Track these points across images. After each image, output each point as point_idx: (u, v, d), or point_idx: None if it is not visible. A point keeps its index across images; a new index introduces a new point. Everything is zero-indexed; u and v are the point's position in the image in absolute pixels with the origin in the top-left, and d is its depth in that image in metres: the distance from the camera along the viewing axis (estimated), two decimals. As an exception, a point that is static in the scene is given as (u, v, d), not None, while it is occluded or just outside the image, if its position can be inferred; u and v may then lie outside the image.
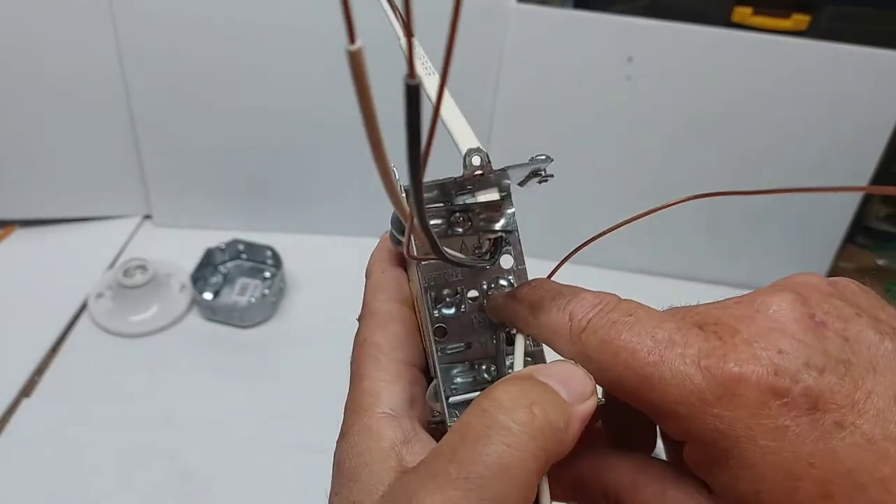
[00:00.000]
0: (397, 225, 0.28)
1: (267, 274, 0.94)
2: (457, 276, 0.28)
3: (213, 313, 0.88)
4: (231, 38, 0.85)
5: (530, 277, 0.28)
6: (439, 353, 0.27)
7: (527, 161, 0.26)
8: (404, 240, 0.25)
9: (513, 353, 0.27)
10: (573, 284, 0.27)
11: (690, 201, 0.27)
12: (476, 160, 0.26)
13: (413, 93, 0.18)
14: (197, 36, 0.85)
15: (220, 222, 0.99)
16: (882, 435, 0.20)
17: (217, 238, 0.94)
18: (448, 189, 0.27)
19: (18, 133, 0.91)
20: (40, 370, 0.81)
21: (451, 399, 0.26)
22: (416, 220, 0.21)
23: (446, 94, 0.28)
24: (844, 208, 0.92)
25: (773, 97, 0.85)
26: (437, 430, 0.26)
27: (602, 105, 0.88)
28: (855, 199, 0.91)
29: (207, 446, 0.75)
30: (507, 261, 0.28)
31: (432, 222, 0.27)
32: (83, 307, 0.88)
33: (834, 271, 0.99)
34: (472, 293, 0.28)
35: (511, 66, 0.86)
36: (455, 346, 0.28)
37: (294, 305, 0.92)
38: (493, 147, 0.92)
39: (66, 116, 0.90)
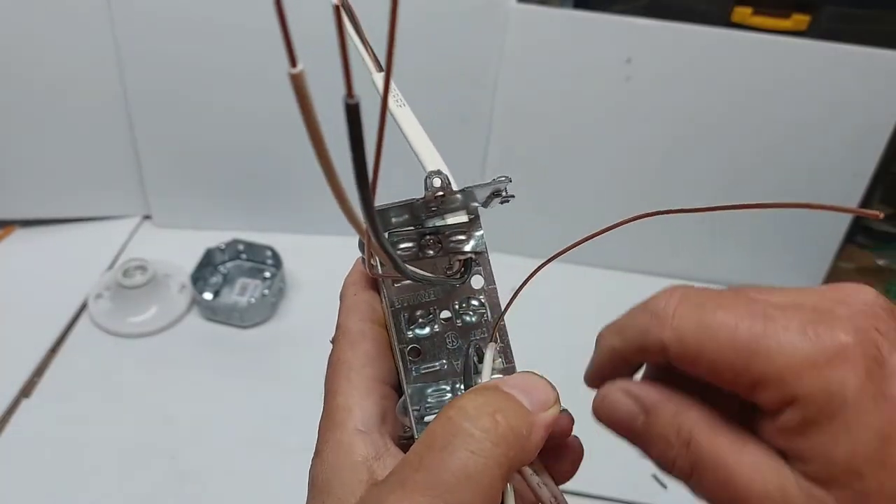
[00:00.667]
0: (361, 248, 0.29)
1: (267, 274, 0.94)
2: (429, 297, 0.29)
3: (213, 313, 0.88)
4: (230, 38, 0.85)
5: (530, 278, 0.29)
6: (410, 370, 0.28)
7: (488, 181, 0.27)
8: (365, 258, 0.26)
9: (480, 371, 0.28)
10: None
11: (688, 198, 0.27)
12: (437, 182, 0.27)
13: (353, 112, 0.19)
14: (196, 36, 0.85)
15: (220, 222, 0.99)
16: None
17: (217, 238, 0.94)
18: (417, 212, 0.27)
19: (18, 133, 0.91)
20: (40, 370, 0.81)
21: (427, 418, 0.27)
22: (371, 238, 0.22)
23: (413, 119, 0.30)
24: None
25: (773, 97, 0.85)
26: (407, 445, 0.27)
27: (602, 105, 0.88)
28: (855, 199, 0.91)
29: (207, 446, 0.75)
30: (477, 281, 0.29)
31: (403, 245, 0.28)
32: (83, 307, 0.88)
33: (834, 271, 0.99)
34: (445, 314, 0.29)
35: (511, 66, 0.86)
36: (429, 365, 0.29)
37: (294, 305, 0.92)
38: (492, 147, 0.92)
39: (66, 117, 0.90)
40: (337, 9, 0.17)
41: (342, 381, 0.27)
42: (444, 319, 0.29)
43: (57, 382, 0.80)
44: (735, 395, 0.24)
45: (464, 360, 0.28)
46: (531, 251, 1.05)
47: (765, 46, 0.82)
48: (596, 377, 0.29)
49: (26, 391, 0.79)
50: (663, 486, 0.76)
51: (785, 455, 0.23)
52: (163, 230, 1.01)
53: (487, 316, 0.29)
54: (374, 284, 0.31)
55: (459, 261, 0.29)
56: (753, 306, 0.24)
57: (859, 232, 1.07)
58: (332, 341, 0.30)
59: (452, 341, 0.29)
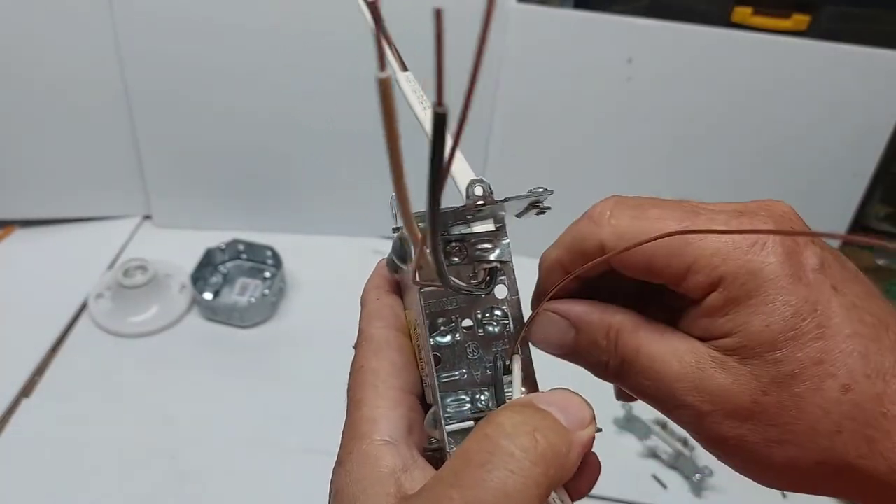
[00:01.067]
0: (399, 252, 0.28)
1: (267, 274, 0.94)
2: (452, 306, 0.28)
3: (213, 313, 0.88)
4: (231, 39, 0.85)
5: (535, 278, 0.29)
6: (441, 380, 0.27)
7: (526, 193, 0.27)
8: (412, 266, 0.25)
9: (510, 382, 0.27)
10: None
11: (689, 198, 0.28)
12: (479, 190, 0.27)
13: (440, 121, 0.18)
14: (197, 37, 0.85)
15: (220, 222, 0.99)
16: (860, 300, 0.24)
17: (217, 238, 0.94)
18: (446, 219, 0.27)
19: (18, 133, 0.91)
20: (40, 370, 0.81)
21: (448, 427, 0.26)
22: (428, 247, 0.22)
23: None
24: (844, 208, 0.92)
25: (773, 97, 0.85)
26: (433, 457, 0.26)
27: (602, 105, 0.88)
28: (855, 199, 0.91)
29: (207, 446, 0.75)
30: (500, 291, 0.29)
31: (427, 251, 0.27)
32: (83, 307, 0.88)
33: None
34: (467, 322, 0.29)
35: (511, 66, 0.86)
36: (449, 374, 0.28)
37: (294, 305, 0.92)
38: (492, 148, 0.92)
39: (67, 117, 0.90)
40: (438, 13, 0.17)
41: (368, 391, 0.27)
42: (465, 328, 0.29)
43: (57, 382, 0.80)
44: (658, 297, 0.27)
45: (493, 372, 0.28)
46: (531, 251, 1.06)
47: (765, 46, 0.82)
48: (538, 297, 0.30)
49: (26, 391, 0.79)
50: (663, 486, 0.76)
51: (705, 338, 0.25)
52: (163, 230, 1.01)
53: (510, 327, 0.29)
54: (396, 289, 0.30)
55: (484, 269, 0.29)
56: (683, 204, 0.26)
57: (859, 232, 1.07)
58: (354, 347, 0.29)
59: (473, 351, 0.28)
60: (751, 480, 0.27)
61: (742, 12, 0.84)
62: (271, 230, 0.99)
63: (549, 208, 0.28)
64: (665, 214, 0.25)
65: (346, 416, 0.27)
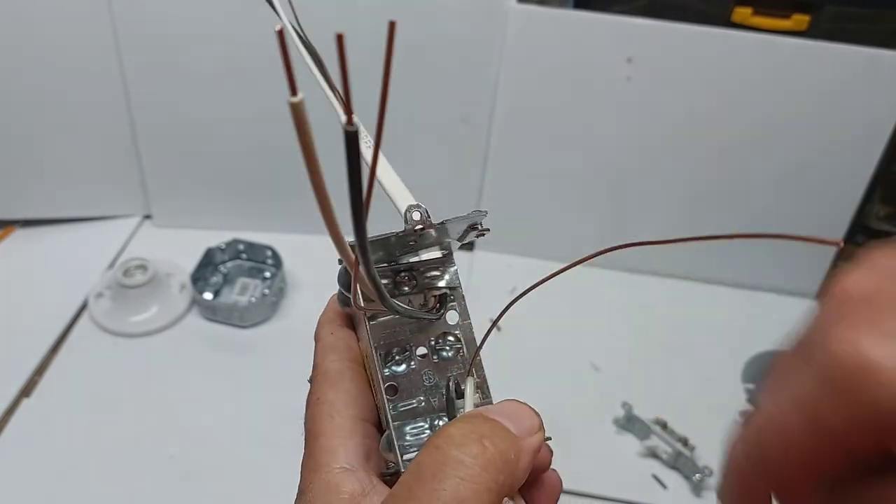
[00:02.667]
0: (345, 282, 0.29)
1: (267, 274, 0.94)
2: (405, 335, 0.29)
3: (213, 313, 0.88)
4: (231, 38, 0.85)
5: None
6: (391, 407, 0.28)
7: (465, 214, 0.27)
8: (352, 289, 0.26)
9: (462, 404, 0.28)
10: None
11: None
12: (416, 215, 0.27)
13: (352, 139, 0.19)
14: (197, 37, 0.85)
15: (220, 222, 0.99)
16: None
17: (217, 238, 0.94)
18: (392, 249, 0.28)
19: (18, 133, 0.91)
20: (40, 370, 0.81)
21: (405, 456, 0.27)
22: (361, 268, 0.22)
23: (382, 159, 0.30)
24: (844, 208, 0.92)
25: (773, 97, 0.85)
26: (391, 481, 0.27)
27: (602, 105, 0.88)
28: (855, 198, 0.91)
29: (207, 446, 0.75)
30: (452, 317, 0.30)
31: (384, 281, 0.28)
32: (83, 307, 0.88)
33: (834, 271, 0.99)
34: (421, 350, 0.29)
35: (511, 66, 0.86)
36: (407, 402, 0.29)
37: (294, 305, 0.92)
38: (492, 147, 0.92)
39: (66, 116, 0.90)
40: (339, 38, 0.17)
41: (325, 422, 0.27)
42: (419, 356, 0.29)
43: (57, 382, 0.80)
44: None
45: (445, 393, 0.28)
46: (531, 251, 1.06)
47: (765, 46, 0.82)
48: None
49: (27, 391, 0.79)
50: (663, 486, 0.76)
51: None
52: (163, 230, 1.01)
53: (463, 351, 0.29)
54: (349, 323, 0.31)
55: (434, 296, 0.29)
56: None
57: (859, 232, 1.07)
58: (310, 380, 0.29)
59: (429, 378, 0.29)
60: None
61: (742, 12, 0.84)
62: (271, 230, 0.99)
63: (487, 230, 0.28)
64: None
65: (305, 447, 0.28)
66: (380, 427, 0.29)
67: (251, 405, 0.80)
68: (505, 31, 0.84)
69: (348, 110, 0.19)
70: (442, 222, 0.27)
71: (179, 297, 0.90)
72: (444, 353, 0.29)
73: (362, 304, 0.26)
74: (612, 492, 0.74)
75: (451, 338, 0.29)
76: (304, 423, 0.28)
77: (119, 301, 0.87)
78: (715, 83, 0.85)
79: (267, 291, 0.91)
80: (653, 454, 0.78)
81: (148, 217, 1.02)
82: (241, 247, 0.94)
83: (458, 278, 0.29)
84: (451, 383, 0.28)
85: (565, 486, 0.29)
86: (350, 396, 0.28)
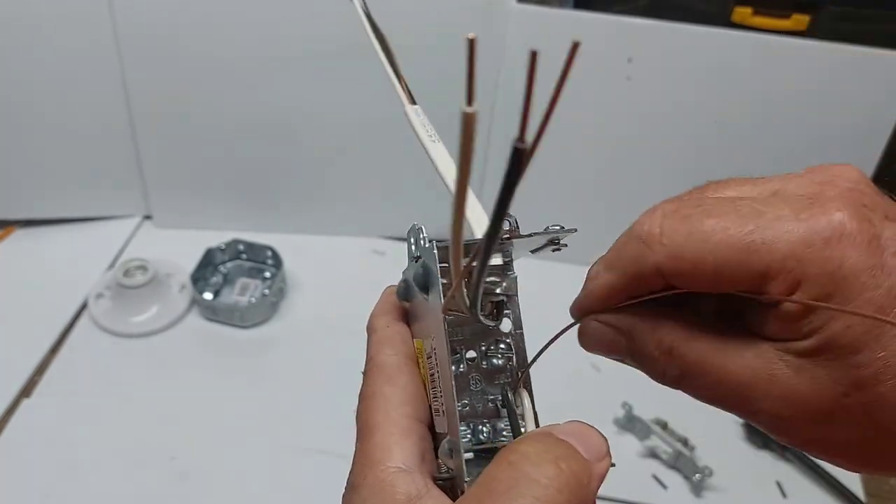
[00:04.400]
0: (422, 281, 0.28)
1: (267, 274, 0.94)
2: (457, 337, 0.28)
3: (213, 313, 0.88)
4: (231, 38, 0.85)
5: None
6: (459, 408, 0.27)
7: (545, 230, 0.27)
8: (450, 293, 0.25)
9: (521, 414, 0.27)
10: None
11: None
12: (505, 224, 0.27)
13: (519, 155, 0.19)
14: (197, 37, 0.85)
15: (220, 222, 0.99)
16: None
17: (217, 238, 0.94)
18: (470, 252, 0.27)
19: (18, 133, 0.91)
20: (40, 370, 0.81)
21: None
22: (474, 276, 0.22)
23: (446, 155, 0.30)
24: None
25: (772, 97, 0.85)
26: (444, 486, 0.26)
27: (602, 105, 0.88)
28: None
29: (207, 446, 0.75)
30: (506, 324, 0.29)
31: (442, 281, 0.27)
32: (83, 307, 0.88)
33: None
34: (471, 353, 0.29)
35: (511, 66, 0.86)
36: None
37: (294, 305, 0.92)
38: (492, 147, 0.92)
39: (67, 117, 0.90)
40: (532, 55, 0.18)
41: (380, 417, 0.27)
42: (468, 359, 0.29)
43: (57, 382, 0.80)
44: (709, 301, 0.25)
45: (505, 404, 0.28)
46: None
47: (765, 46, 0.82)
48: (584, 310, 0.29)
49: (27, 391, 0.79)
50: (663, 486, 0.76)
51: (778, 339, 0.24)
52: (163, 230, 1.01)
53: (513, 360, 0.29)
54: (404, 317, 0.30)
55: (491, 302, 0.29)
56: (740, 206, 0.23)
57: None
58: (363, 373, 0.29)
59: (476, 383, 0.28)
60: (753, 479, 0.27)
61: (742, 12, 0.84)
62: (271, 230, 0.99)
63: (565, 245, 0.28)
64: (722, 224, 0.23)
65: (358, 441, 0.27)
66: (432, 429, 0.28)
67: (251, 405, 0.80)
68: (505, 31, 0.84)
69: (523, 127, 0.19)
70: (529, 234, 0.27)
71: (179, 297, 0.90)
72: (495, 361, 0.29)
73: (451, 306, 0.26)
74: (612, 492, 0.74)
75: (502, 345, 0.29)
76: (357, 416, 0.27)
77: (119, 301, 0.87)
78: (715, 83, 0.85)
79: (267, 291, 0.91)
80: (653, 454, 0.78)
81: (148, 217, 1.02)
82: (241, 247, 0.94)
83: (516, 286, 0.29)
84: (508, 393, 0.28)
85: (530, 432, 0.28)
86: (407, 394, 0.27)
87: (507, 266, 0.29)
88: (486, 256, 0.21)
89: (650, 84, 0.85)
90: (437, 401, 0.28)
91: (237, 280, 0.93)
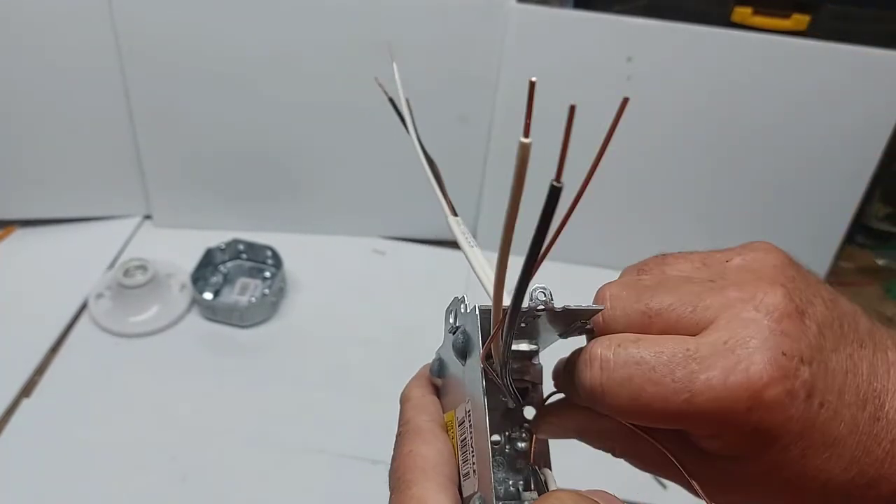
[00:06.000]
0: (461, 346, 0.29)
1: (267, 274, 0.94)
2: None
3: (213, 313, 0.88)
4: (231, 39, 0.85)
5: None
6: (495, 471, 0.28)
7: (583, 306, 0.28)
8: (489, 339, 0.27)
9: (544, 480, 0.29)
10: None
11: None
12: (541, 295, 0.27)
13: (555, 194, 0.21)
14: (197, 37, 0.85)
15: (220, 222, 0.99)
16: (841, 404, 0.26)
17: (217, 238, 0.94)
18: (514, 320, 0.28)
19: (19, 133, 0.91)
20: (40, 370, 0.81)
21: None
22: (506, 323, 0.24)
23: (482, 258, 0.32)
24: (844, 208, 0.92)
25: (773, 97, 0.85)
26: None
27: (602, 105, 0.88)
28: (855, 198, 0.91)
29: (207, 446, 0.75)
30: (529, 411, 0.31)
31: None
32: (83, 307, 0.88)
33: (834, 271, 0.99)
34: (495, 437, 0.29)
35: (511, 66, 0.86)
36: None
37: (294, 305, 0.92)
38: (492, 147, 0.92)
39: (67, 117, 0.90)
40: (571, 109, 0.19)
41: (418, 473, 0.28)
42: (493, 442, 0.29)
43: (57, 382, 0.80)
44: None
45: (532, 473, 0.29)
46: (525, 249, 1.06)
47: (765, 46, 0.82)
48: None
49: (27, 391, 0.79)
50: (663, 486, 0.76)
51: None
52: (163, 230, 1.01)
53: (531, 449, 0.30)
54: (436, 391, 0.32)
55: (516, 388, 0.30)
56: (665, 352, 0.26)
57: (859, 232, 1.07)
58: (398, 437, 0.30)
59: (499, 467, 0.29)
60: None
61: (742, 12, 0.84)
62: (271, 230, 0.99)
63: (592, 329, 0.29)
64: (655, 380, 0.26)
65: (393, 493, 0.28)
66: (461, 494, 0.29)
67: (252, 405, 0.80)
68: (505, 31, 0.84)
69: (560, 167, 0.21)
70: (564, 307, 0.28)
71: (179, 297, 0.90)
72: (519, 445, 0.30)
73: (487, 365, 0.27)
74: (612, 492, 0.74)
75: (524, 433, 0.30)
76: (392, 472, 0.29)
77: (119, 301, 0.87)
78: (715, 83, 0.85)
79: (267, 291, 0.91)
80: (653, 454, 0.78)
81: (148, 217, 1.02)
82: (241, 247, 0.94)
83: (542, 376, 0.30)
84: (531, 477, 0.29)
85: (565, 485, 0.29)
86: (442, 456, 0.29)
87: (534, 354, 0.30)
88: (518, 304, 0.23)
89: (650, 84, 0.85)
90: (466, 464, 0.29)
91: (237, 280, 0.93)
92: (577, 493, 0.25)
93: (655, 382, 0.25)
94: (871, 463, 0.26)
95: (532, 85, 0.20)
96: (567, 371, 0.29)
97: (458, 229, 0.33)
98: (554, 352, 0.31)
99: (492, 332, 0.26)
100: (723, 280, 0.27)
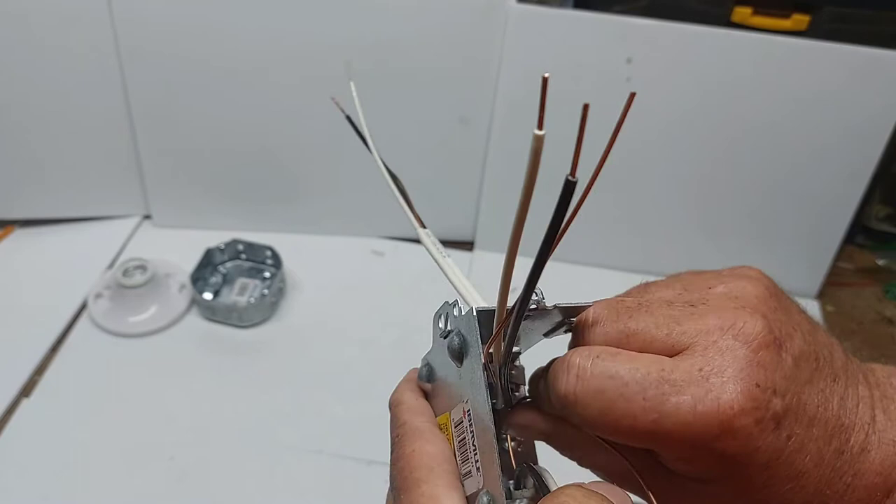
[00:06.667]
0: (458, 349, 0.29)
1: (266, 274, 0.94)
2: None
3: (213, 313, 0.88)
4: (231, 38, 0.85)
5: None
6: (503, 467, 0.28)
7: (574, 303, 0.29)
8: (492, 338, 0.27)
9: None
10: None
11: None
12: (534, 295, 0.28)
13: (569, 188, 0.22)
14: (196, 36, 0.85)
15: (220, 222, 0.99)
16: (808, 437, 0.26)
17: (217, 238, 0.94)
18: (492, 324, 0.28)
19: (18, 133, 0.91)
20: (40, 370, 0.81)
21: None
22: (514, 312, 0.25)
23: (456, 268, 0.33)
24: (844, 208, 0.92)
25: (772, 97, 0.85)
26: None
27: (602, 105, 0.87)
28: (854, 199, 0.91)
29: (207, 446, 0.75)
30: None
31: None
32: (82, 307, 0.88)
33: (834, 271, 0.99)
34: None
35: (511, 66, 0.86)
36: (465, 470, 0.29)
37: (294, 305, 0.92)
38: (492, 147, 0.92)
39: (66, 116, 0.90)
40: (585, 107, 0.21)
41: (425, 472, 0.27)
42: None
43: (57, 382, 0.80)
44: None
45: (531, 473, 0.29)
46: (531, 251, 1.06)
47: (765, 46, 0.82)
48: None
49: (27, 391, 0.79)
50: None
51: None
52: (163, 230, 1.01)
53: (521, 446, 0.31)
54: (426, 395, 0.32)
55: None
56: (648, 378, 0.26)
57: (859, 232, 1.07)
58: (395, 439, 0.30)
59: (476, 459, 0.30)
60: None
61: (742, 12, 0.84)
62: (271, 230, 0.99)
63: (575, 325, 0.30)
64: (627, 407, 0.26)
65: (402, 494, 0.27)
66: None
67: (251, 405, 0.80)
68: (505, 31, 0.84)
69: (575, 163, 0.22)
70: (554, 305, 0.28)
71: (179, 297, 0.90)
72: (506, 445, 0.30)
73: (491, 354, 0.28)
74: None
75: (505, 429, 0.31)
76: (396, 474, 0.28)
77: (118, 301, 0.87)
78: (715, 83, 0.85)
79: (266, 292, 0.90)
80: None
81: (148, 217, 1.02)
82: (241, 247, 0.94)
83: (524, 377, 0.31)
84: (527, 471, 0.29)
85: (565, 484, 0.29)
86: (445, 454, 0.28)
87: (516, 356, 0.30)
88: (537, 273, 0.23)
89: (650, 84, 0.85)
90: (466, 463, 0.28)
91: (236, 280, 0.93)
92: (583, 488, 0.25)
93: (627, 399, 0.26)
94: (833, 495, 0.27)
95: (545, 80, 0.21)
96: (544, 378, 0.29)
97: (429, 240, 0.34)
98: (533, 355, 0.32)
99: (494, 332, 0.26)
100: (704, 306, 0.28)
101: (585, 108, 0.20)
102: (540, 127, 0.20)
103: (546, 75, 0.21)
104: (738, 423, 0.25)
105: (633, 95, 0.21)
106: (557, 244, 0.22)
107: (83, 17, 0.83)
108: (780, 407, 0.26)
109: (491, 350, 0.28)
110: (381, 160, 0.37)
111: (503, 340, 0.26)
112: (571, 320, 0.29)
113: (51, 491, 0.70)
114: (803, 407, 0.26)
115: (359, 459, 0.75)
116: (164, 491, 0.71)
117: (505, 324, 0.26)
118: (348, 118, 0.38)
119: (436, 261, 0.33)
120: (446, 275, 0.32)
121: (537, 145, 0.20)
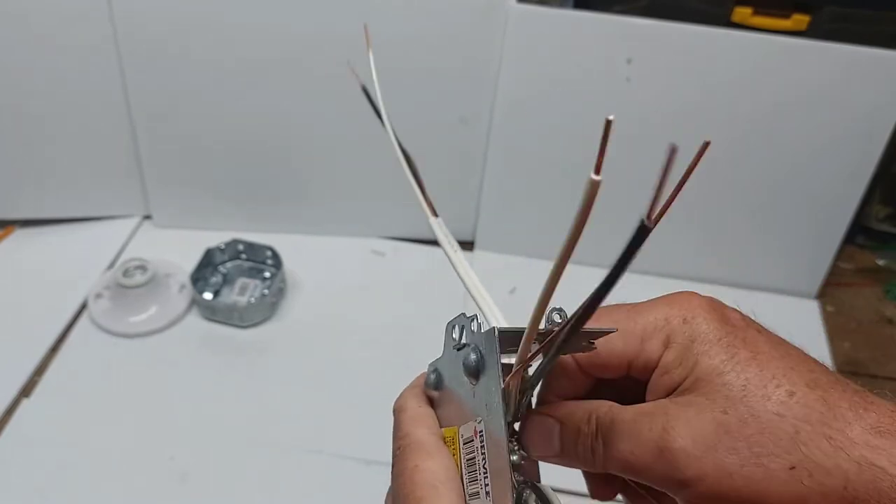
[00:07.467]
0: (473, 366, 0.28)
1: (267, 274, 0.94)
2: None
3: (213, 313, 0.88)
4: (231, 38, 0.85)
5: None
6: (515, 484, 0.27)
7: (595, 328, 0.28)
8: (520, 366, 0.26)
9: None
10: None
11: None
12: (557, 317, 0.28)
13: (643, 233, 0.21)
14: (197, 36, 0.85)
15: (220, 222, 0.99)
16: (780, 341, 0.28)
17: (217, 238, 0.94)
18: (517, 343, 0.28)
19: (18, 133, 0.91)
20: (40, 370, 0.81)
21: None
22: (558, 341, 0.24)
23: (466, 263, 0.32)
24: (844, 208, 0.92)
25: (773, 97, 0.85)
26: None
27: (602, 105, 0.88)
28: (854, 199, 0.91)
29: (207, 446, 0.75)
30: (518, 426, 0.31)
31: (503, 361, 0.28)
32: (83, 307, 0.88)
33: (834, 271, 0.99)
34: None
35: (511, 66, 0.86)
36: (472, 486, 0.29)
37: (294, 305, 0.92)
38: (492, 147, 0.92)
39: (67, 117, 0.90)
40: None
41: (428, 490, 0.27)
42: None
43: (57, 382, 0.80)
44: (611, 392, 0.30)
45: (535, 491, 0.29)
46: (531, 251, 1.06)
47: (765, 46, 0.82)
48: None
49: (27, 391, 0.79)
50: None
51: (668, 394, 0.28)
52: (163, 230, 1.01)
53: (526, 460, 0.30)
54: (431, 402, 0.31)
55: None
56: (654, 421, 0.27)
57: (859, 232, 1.07)
58: (397, 451, 0.29)
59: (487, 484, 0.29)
60: None
61: (742, 12, 0.84)
62: (271, 230, 0.99)
63: (595, 347, 0.29)
64: (636, 452, 0.27)
65: None
66: None
67: (251, 405, 0.80)
68: (505, 31, 0.84)
69: (653, 206, 0.21)
70: (581, 332, 0.28)
71: (179, 297, 0.90)
72: (512, 458, 0.29)
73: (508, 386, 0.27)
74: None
75: (516, 446, 0.30)
76: (397, 490, 0.27)
77: (118, 301, 0.87)
78: (715, 83, 0.85)
79: (266, 292, 0.90)
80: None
81: (148, 217, 1.02)
82: (241, 247, 0.94)
83: (532, 391, 0.30)
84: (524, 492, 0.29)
85: (565, 485, 0.29)
86: (450, 472, 0.27)
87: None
88: (586, 316, 0.24)
89: (650, 84, 0.85)
90: (474, 483, 0.28)
91: (237, 280, 0.93)
92: None
93: (632, 443, 0.27)
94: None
95: (608, 123, 0.20)
96: (594, 440, 0.29)
97: (440, 231, 0.33)
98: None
99: (516, 367, 0.26)
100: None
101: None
102: (597, 172, 0.19)
103: (611, 118, 0.20)
104: (699, 314, 0.28)
105: (706, 144, 0.22)
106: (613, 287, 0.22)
107: (83, 17, 0.83)
108: (739, 313, 0.29)
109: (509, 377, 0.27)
110: (395, 136, 0.35)
111: (528, 372, 0.26)
112: (591, 344, 0.28)
113: (51, 491, 0.70)
114: (768, 331, 0.29)
115: (358, 459, 0.75)
116: (164, 491, 0.71)
117: (531, 359, 0.25)
118: (364, 89, 0.36)
119: (446, 253, 0.31)
120: (456, 269, 0.31)
121: (592, 191, 0.19)
